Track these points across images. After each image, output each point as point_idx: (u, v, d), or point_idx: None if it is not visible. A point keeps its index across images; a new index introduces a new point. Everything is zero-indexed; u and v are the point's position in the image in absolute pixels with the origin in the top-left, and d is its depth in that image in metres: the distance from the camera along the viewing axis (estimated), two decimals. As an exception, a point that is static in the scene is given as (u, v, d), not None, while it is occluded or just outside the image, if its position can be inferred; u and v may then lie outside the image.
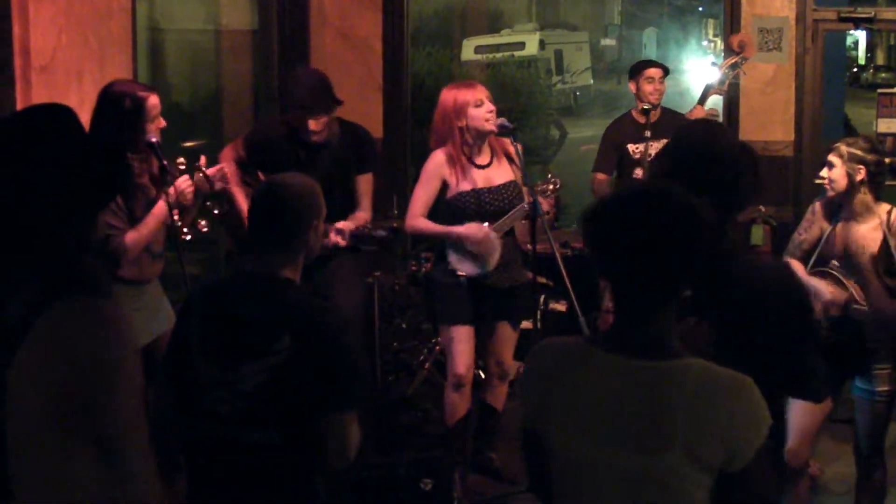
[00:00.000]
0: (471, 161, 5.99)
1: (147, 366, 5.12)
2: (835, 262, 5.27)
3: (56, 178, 2.39)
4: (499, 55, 29.46)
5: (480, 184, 5.97)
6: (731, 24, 8.57)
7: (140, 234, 5.05)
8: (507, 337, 6.22)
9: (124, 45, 5.96)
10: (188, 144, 9.49)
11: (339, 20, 8.93)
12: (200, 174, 5.29)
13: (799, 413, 5.22)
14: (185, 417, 3.50)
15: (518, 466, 6.24)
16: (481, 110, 5.87)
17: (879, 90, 9.05)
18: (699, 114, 7.22)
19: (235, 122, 9.18)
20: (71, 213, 2.42)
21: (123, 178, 2.68)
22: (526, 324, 6.64)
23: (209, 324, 3.48)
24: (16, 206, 2.37)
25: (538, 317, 7.35)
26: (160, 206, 5.09)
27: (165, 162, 5.12)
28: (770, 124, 8.47)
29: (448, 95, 6.00)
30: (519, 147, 6.05)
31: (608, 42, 46.38)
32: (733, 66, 7.38)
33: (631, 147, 7.46)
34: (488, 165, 6.03)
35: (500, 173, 6.04)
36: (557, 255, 5.70)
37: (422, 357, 7.89)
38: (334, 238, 5.83)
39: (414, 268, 7.78)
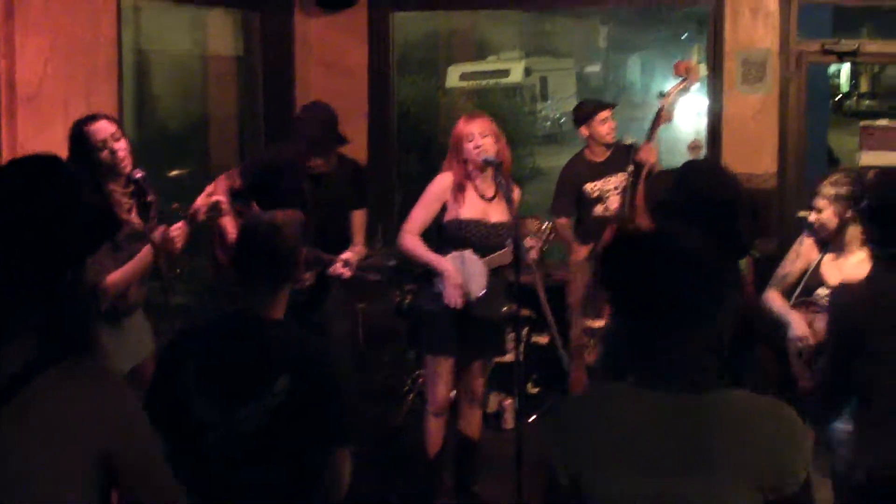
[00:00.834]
0: (475, 188, 6.04)
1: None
2: (820, 293, 5.29)
3: (43, 231, 2.38)
4: (483, 82, 29.45)
5: (478, 215, 6.03)
6: (713, 56, 8.60)
7: (122, 277, 5.03)
8: (478, 367, 6.29)
9: (110, 76, 5.98)
10: (174, 173, 9.50)
11: (323, 49, 8.95)
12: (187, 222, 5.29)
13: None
14: (183, 458, 3.50)
15: (500, 496, 6.26)
16: (470, 144, 5.93)
17: (862, 123, 9.09)
18: (648, 154, 7.11)
19: (220, 150, 9.20)
20: (59, 264, 2.41)
21: (111, 231, 2.67)
22: (508, 357, 6.67)
23: (207, 368, 3.49)
24: (4, 259, 2.36)
25: (521, 349, 7.39)
26: (146, 252, 5.06)
27: (150, 198, 5.11)
28: (754, 155, 8.49)
29: (457, 125, 6.11)
30: (516, 192, 6.09)
31: (593, 68, 46.42)
32: (681, 93, 7.37)
33: (588, 186, 7.48)
34: (491, 200, 6.08)
35: (498, 211, 6.07)
36: (540, 289, 5.72)
37: (406, 387, 7.90)
38: (340, 269, 5.87)
39: (398, 299, 7.79)
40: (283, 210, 5.84)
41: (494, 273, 6.06)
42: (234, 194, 6.15)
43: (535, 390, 8.13)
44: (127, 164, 5.13)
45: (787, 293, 5.47)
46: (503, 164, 5.96)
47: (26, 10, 5.40)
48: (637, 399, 2.60)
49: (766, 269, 7.75)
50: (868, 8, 10.05)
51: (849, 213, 5.18)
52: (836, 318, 4.11)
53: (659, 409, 2.57)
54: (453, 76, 28.80)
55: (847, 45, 8.49)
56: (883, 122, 9.38)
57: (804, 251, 5.47)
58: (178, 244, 5.14)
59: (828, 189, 5.23)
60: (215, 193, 5.81)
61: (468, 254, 6.01)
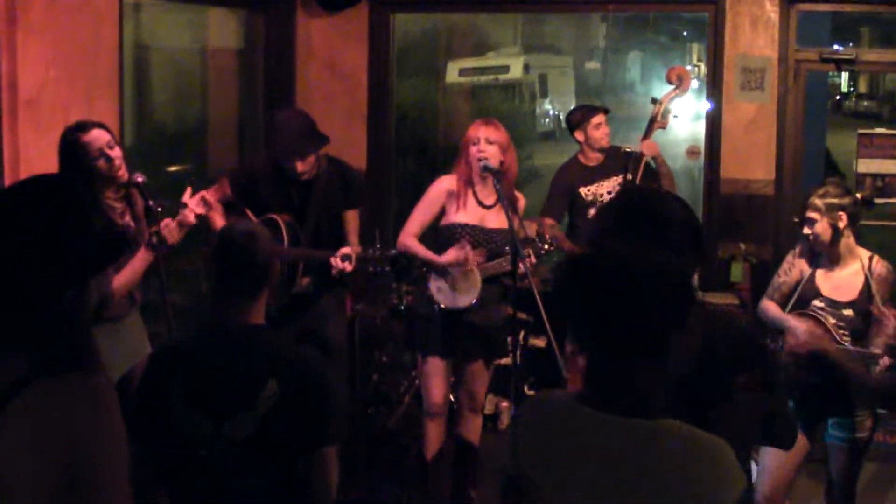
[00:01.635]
0: (475, 195, 6.06)
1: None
2: (816, 304, 5.32)
3: (49, 250, 2.40)
4: (483, 78, 29.42)
5: (474, 221, 6.06)
6: (713, 64, 8.62)
7: (125, 280, 5.06)
8: (478, 374, 6.30)
9: (112, 81, 6.00)
10: (172, 169, 9.52)
11: (325, 52, 8.97)
12: (185, 209, 5.31)
13: (773, 457, 5.26)
14: (174, 473, 3.53)
15: (496, 500, 6.28)
16: (474, 149, 5.97)
17: (860, 131, 9.11)
18: (651, 147, 7.24)
19: (220, 150, 9.21)
20: (62, 283, 2.43)
21: (118, 253, 2.68)
22: (506, 360, 6.69)
23: (193, 384, 3.50)
24: (5, 277, 2.38)
25: (518, 352, 7.41)
26: (144, 253, 5.10)
27: (151, 202, 5.13)
28: (751, 163, 8.52)
29: (470, 127, 6.14)
30: (521, 200, 6.12)
31: (592, 66, 46.34)
32: (673, 100, 7.43)
33: (582, 190, 7.51)
34: (490, 207, 6.10)
35: (496, 218, 6.10)
36: (537, 294, 5.72)
37: (402, 390, 7.92)
38: (340, 265, 5.87)
39: (395, 301, 7.81)
40: (275, 215, 5.93)
41: (490, 281, 6.09)
42: (226, 204, 6.17)
43: (532, 393, 8.15)
44: (123, 172, 5.15)
45: (782, 304, 5.51)
46: (505, 175, 5.98)
47: (28, 14, 5.41)
48: (585, 417, 2.61)
49: (761, 276, 7.82)
50: (866, 15, 10.07)
51: (842, 223, 5.21)
52: None
53: (600, 429, 2.58)
54: (452, 71, 28.74)
55: (846, 53, 8.53)
56: (881, 129, 9.38)
57: (798, 262, 5.50)
58: (175, 234, 5.16)
59: (817, 202, 5.26)
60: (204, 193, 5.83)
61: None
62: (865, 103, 39.06)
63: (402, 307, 7.51)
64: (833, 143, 15.08)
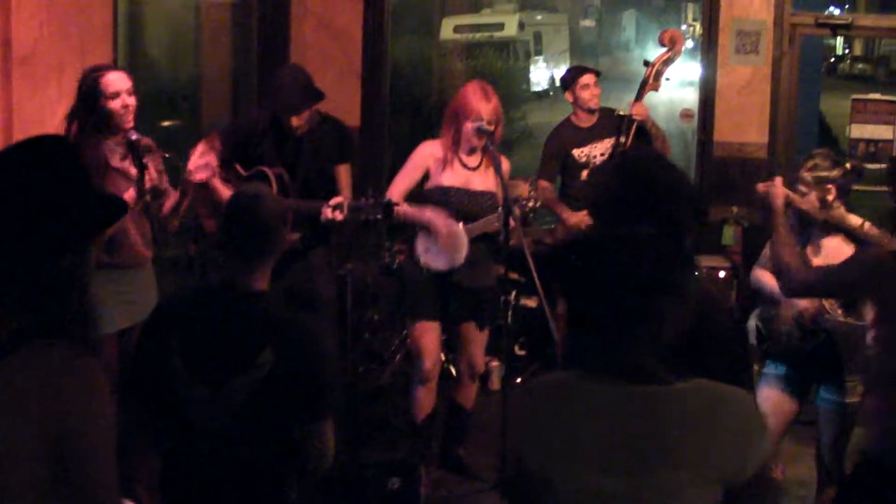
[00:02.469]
0: (459, 159, 6.07)
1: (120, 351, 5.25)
2: (807, 274, 5.35)
3: (47, 213, 2.39)
4: (478, 35, 29.37)
5: (459, 184, 6.05)
6: (709, 26, 8.62)
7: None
8: (474, 338, 6.28)
9: (105, 37, 5.98)
10: (166, 124, 9.51)
11: (319, 9, 8.94)
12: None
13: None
14: (167, 432, 3.54)
15: (486, 464, 6.32)
16: (474, 125, 5.95)
17: (853, 96, 9.13)
18: (640, 110, 7.23)
19: (213, 106, 9.20)
20: (60, 246, 2.42)
21: (115, 217, 2.67)
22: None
23: (191, 340, 3.49)
24: (7, 241, 2.37)
25: (510, 313, 7.44)
26: (130, 193, 5.12)
27: (145, 160, 5.15)
28: (745, 126, 8.53)
29: (462, 94, 6.11)
30: (505, 163, 6.11)
31: (587, 24, 46.24)
32: (666, 63, 7.41)
33: (575, 152, 7.49)
34: (475, 169, 6.11)
35: (481, 180, 6.10)
36: (528, 254, 5.74)
37: (393, 348, 7.95)
38: (330, 214, 5.85)
39: (387, 259, 7.83)
40: (266, 168, 5.94)
41: (479, 241, 6.09)
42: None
43: (522, 353, 8.18)
44: (130, 121, 5.21)
45: (775, 272, 5.52)
46: (494, 135, 5.98)
47: (22, -31, 5.39)
48: (586, 391, 2.60)
49: (753, 239, 7.84)
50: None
51: (830, 196, 5.22)
52: None
53: (609, 402, 2.57)
54: (447, 28, 28.71)
55: (841, 18, 8.54)
56: (874, 95, 9.41)
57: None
58: (156, 178, 5.23)
59: (806, 175, 5.25)
60: (204, 154, 5.84)
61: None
62: (860, 66, 39.06)
63: (395, 266, 7.51)
64: (827, 107, 15.11)
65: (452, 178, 6.06)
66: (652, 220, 3.10)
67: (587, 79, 7.50)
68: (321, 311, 6.19)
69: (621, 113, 7.40)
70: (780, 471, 6.22)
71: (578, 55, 34.95)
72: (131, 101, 5.22)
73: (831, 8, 9.33)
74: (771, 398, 5.36)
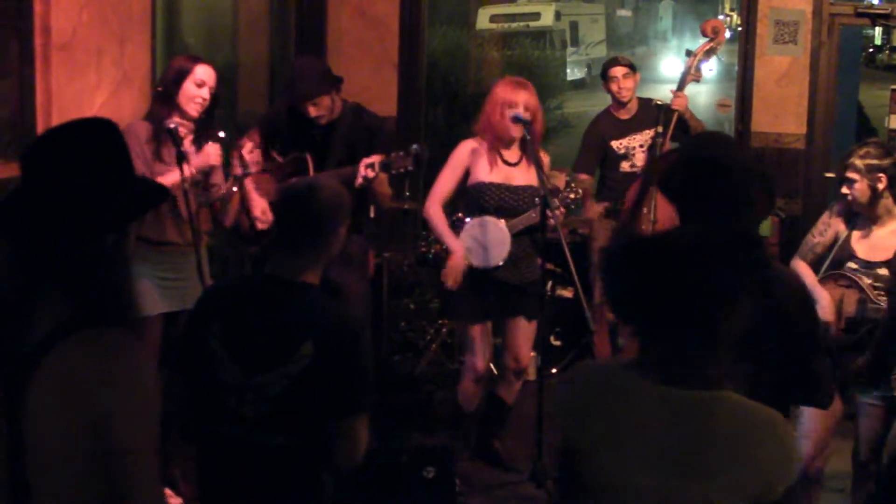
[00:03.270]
0: (500, 155, 6.07)
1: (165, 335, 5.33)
2: (850, 265, 5.31)
3: (90, 194, 2.39)
4: (514, 25, 29.32)
5: (500, 180, 6.07)
6: (747, 16, 8.57)
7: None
8: (521, 333, 6.29)
9: (144, 24, 5.99)
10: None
11: (357, -2, 8.95)
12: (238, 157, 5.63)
13: (813, 420, 5.22)
14: (204, 417, 3.55)
15: (521, 454, 6.32)
16: (509, 112, 5.95)
17: (893, 86, 9.04)
18: (681, 101, 7.17)
19: (250, 96, 9.20)
20: (101, 229, 2.43)
21: (157, 200, 2.67)
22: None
23: (233, 328, 3.50)
24: (51, 221, 2.38)
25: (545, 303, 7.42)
26: (175, 173, 5.18)
27: (183, 149, 5.18)
28: (783, 116, 8.49)
29: (497, 88, 6.13)
30: (545, 158, 6.11)
31: (624, 13, 46.08)
32: (708, 53, 7.35)
33: (614, 144, 7.49)
34: (515, 165, 6.11)
35: (522, 175, 6.11)
36: (565, 245, 5.73)
37: (428, 337, 7.96)
38: (364, 172, 5.83)
39: (423, 248, 7.82)
40: (298, 155, 5.96)
41: (523, 235, 6.09)
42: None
43: (558, 343, 8.17)
44: (196, 112, 5.44)
45: (815, 264, 5.48)
46: (533, 125, 5.96)
47: (62, -44, 5.41)
48: (641, 387, 2.57)
49: (791, 230, 7.80)
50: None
51: (881, 184, 5.19)
52: None
53: (663, 403, 2.54)
54: (483, 18, 28.68)
55: (881, 8, 8.47)
56: (914, 85, 9.32)
57: (834, 222, 5.47)
58: (213, 160, 5.46)
59: (857, 162, 5.22)
60: (252, 151, 5.89)
61: (490, 219, 6.06)
62: (899, 56, 38.71)
63: (431, 255, 7.51)
64: (865, 97, 14.98)
65: (494, 174, 6.08)
66: (728, 205, 3.09)
67: (615, 71, 7.50)
68: (351, 301, 6.18)
69: (659, 102, 7.36)
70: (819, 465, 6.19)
71: (615, 45, 34.88)
72: (208, 96, 5.44)
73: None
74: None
